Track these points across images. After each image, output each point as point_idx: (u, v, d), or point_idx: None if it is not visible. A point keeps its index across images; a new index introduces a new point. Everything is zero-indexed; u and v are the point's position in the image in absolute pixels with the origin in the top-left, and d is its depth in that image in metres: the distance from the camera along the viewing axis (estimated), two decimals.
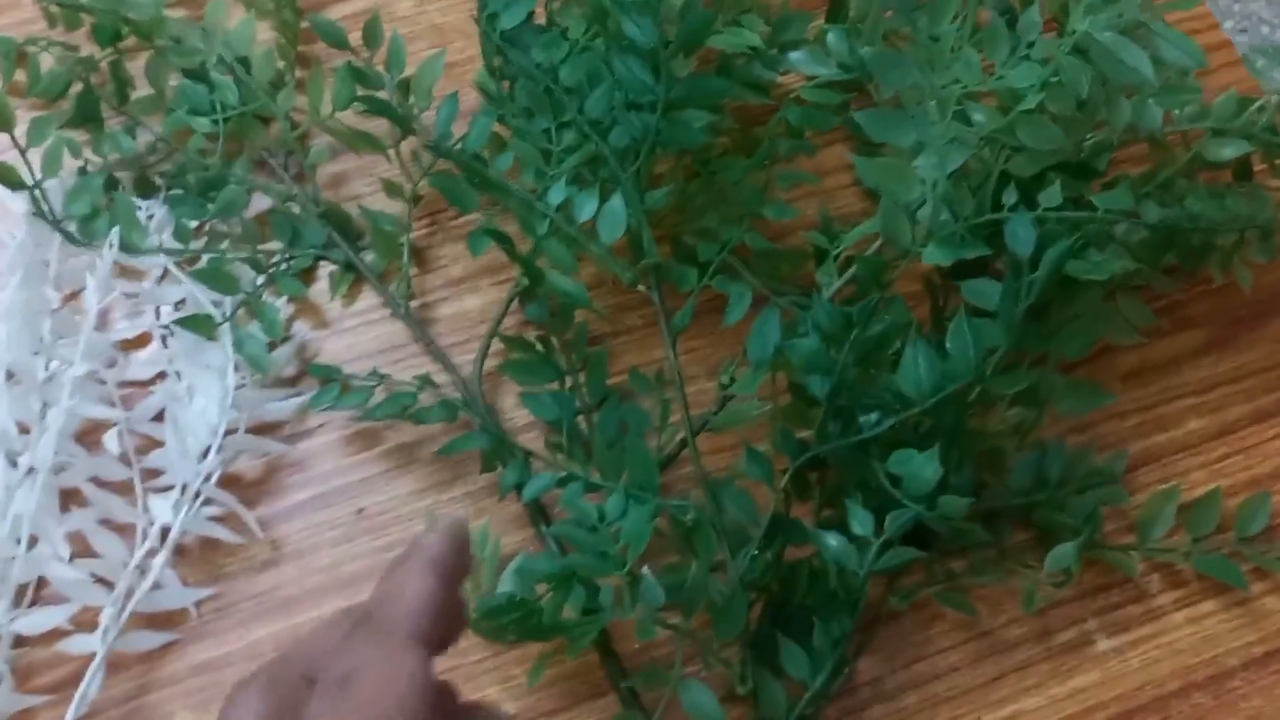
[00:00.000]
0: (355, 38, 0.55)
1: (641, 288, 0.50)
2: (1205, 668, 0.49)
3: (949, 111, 0.43)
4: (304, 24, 0.57)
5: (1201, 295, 0.55)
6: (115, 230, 0.50)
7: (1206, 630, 0.50)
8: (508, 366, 0.51)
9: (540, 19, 0.53)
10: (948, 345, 0.42)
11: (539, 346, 0.52)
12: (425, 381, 0.50)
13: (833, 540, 0.43)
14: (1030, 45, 0.45)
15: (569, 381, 0.51)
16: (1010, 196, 0.45)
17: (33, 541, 0.47)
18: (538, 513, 0.49)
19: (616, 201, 0.48)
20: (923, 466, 0.42)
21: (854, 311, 0.42)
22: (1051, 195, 0.45)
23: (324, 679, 0.34)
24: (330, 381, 0.51)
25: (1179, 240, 0.48)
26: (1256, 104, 0.48)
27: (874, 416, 0.43)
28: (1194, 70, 0.47)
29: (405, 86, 0.54)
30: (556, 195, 0.50)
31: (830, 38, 0.53)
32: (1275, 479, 0.52)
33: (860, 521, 0.43)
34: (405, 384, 0.50)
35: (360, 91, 0.53)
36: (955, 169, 0.44)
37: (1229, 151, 0.48)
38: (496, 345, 0.52)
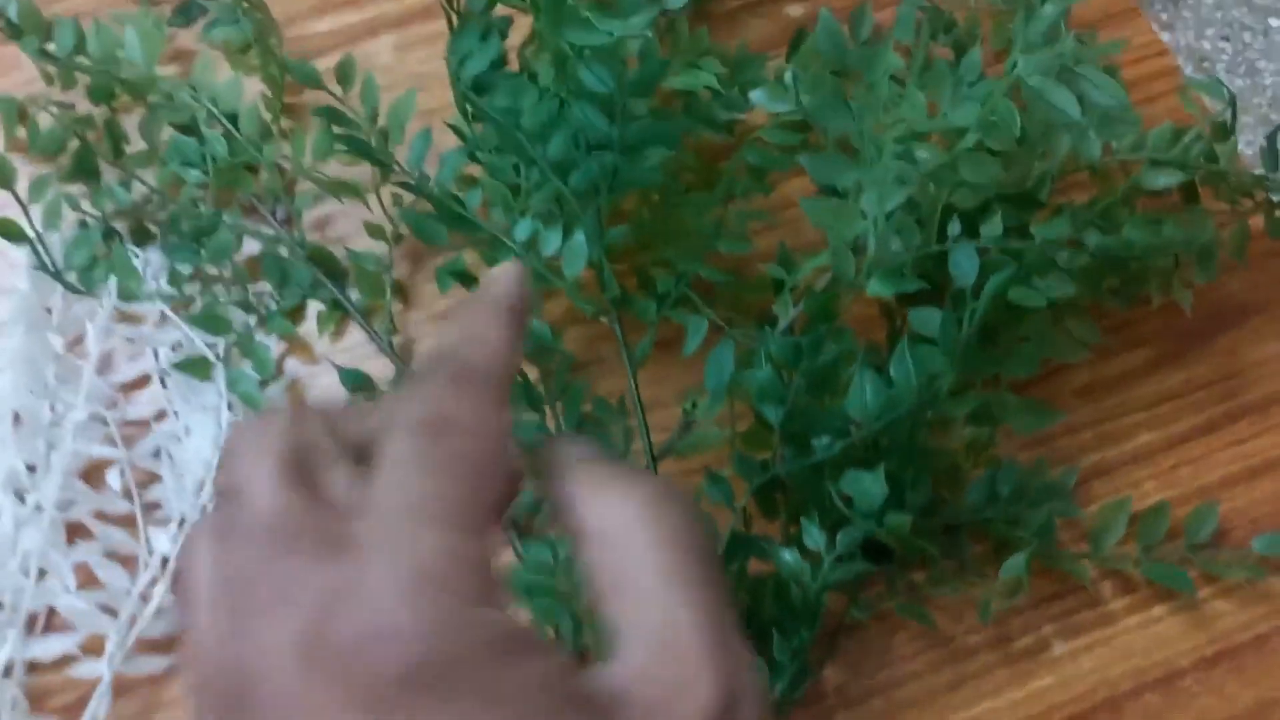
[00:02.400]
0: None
1: (604, 319, 0.53)
2: (1157, 669, 0.51)
3: (885, 152, 0.45)
4: (290, 78, 0.60)
5: (1150, 314, 0.57)
6: (113, 279, 0.53)
7: (1157, 633, 0.52)
8: None
9: (515, 65, 0.56)
10: (891, 372, 0.44)
11: (519, 378, 0.54)
12: None
13: (788, 556, 0.46)
14: (971, 85, 0.48)
15: (548, 411, 0.53)
16: (955, 228, 0.48)
17: (42, 574, 0.50)
18: (514, 532, 0.52)
19: (579, 237, 0.51)
20: (870, 485, 0.44)
21: (804, 343, 0.44)
22: (992, 226, 0.47)
23: (397, 423, 0.29)
24: (358, 389, 0.54)
25: (1118, 266, 0.50)
26: (1192, 133, 0.51)
27: (825, 440, 0.45)
28: (1128, 103, 0.49)
29: (378, 123, 0.56)
30: (523, 231, 0.52)
31: (787, 77, 0.55)
32: (1223, 488, 0.54)
33: (813, 537, 0.45)
34: None
35: (337, 130, 0.56)
36: (899, 204, 0.46)
37: (1164, 180, 0.50)
38: None
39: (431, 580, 0.26)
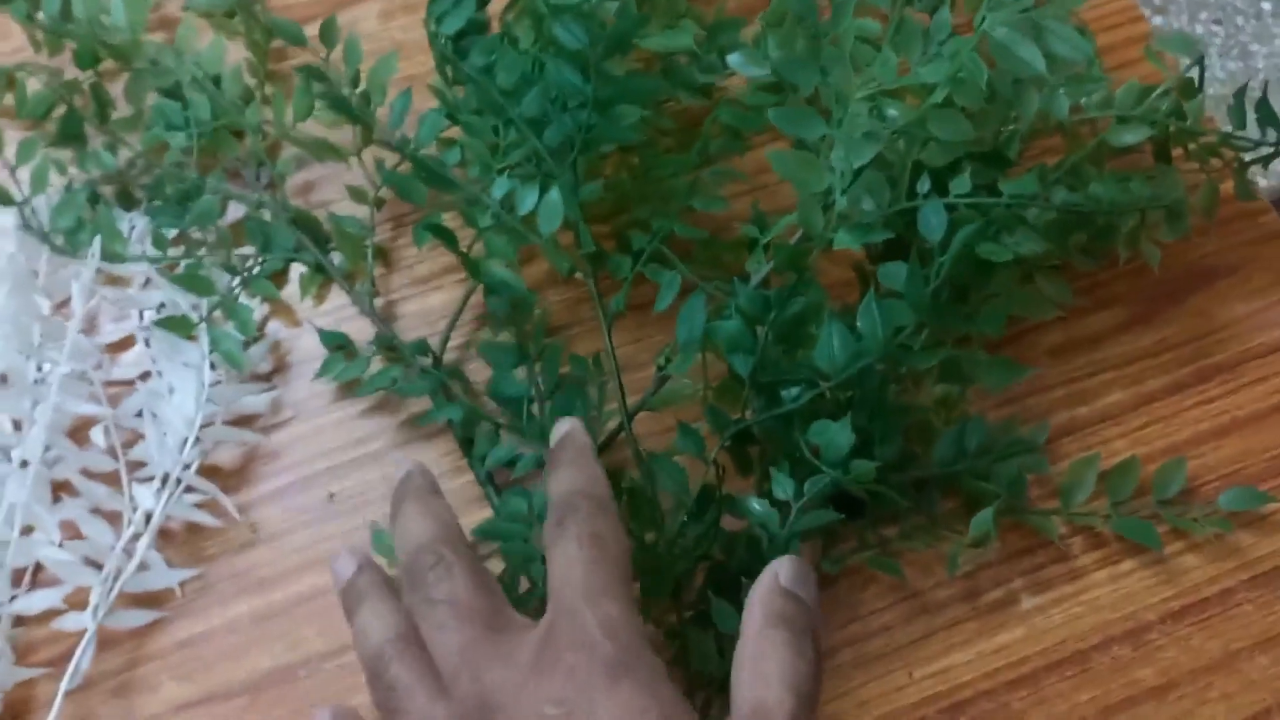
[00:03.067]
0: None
1: (580, 276, 0.53)
2: (1124, 622, 0.52)
3: (849, 109, 0.46)
4: (274, 41, 0.61)
5: (1122, 275, 0.57)
6: (98, 240, 0.54)
7: (1126, 588, 0.52)
8: (482, 347, 0.54)
9: (496, 29, 0.57)
10: (858, 324, 0.45)
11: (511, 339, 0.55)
12: (419, 349, 0.54)
13: (756, 505, 0.47)
14: (942, 44, 0.49)
15: (528, 370, 0.54)
16: (924, 185, 0.48)
17: (28, 530, 0.51)
18: (489, 485, 0.52)
19: (554, 195, 0.52)
20: (838, 435, 0.45)
21: (771, 295, 0.45)
22: (960, 183, 0.48)
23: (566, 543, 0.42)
24: (339, 349, 0.54)
25: (1086, 222, 0.51)
26: (1158, 90, 0.51)
27: (794, 391, 0.46)
28: (1088, 61, 0.50)
29: (360, 85, 0.57)
30: (500, 189, 0.53)
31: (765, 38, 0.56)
32: (1192, 445, 0.55)
33: (782, 486, 0.46)
34: (393, 353, 0.54)
35: (319, 89, 0.56)
36: (869, 160, 0.47)
37: (1130, 137, 0.51)
38: (455, 341, 0.56)
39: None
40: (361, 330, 0.56)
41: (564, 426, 0.47)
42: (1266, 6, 1.19)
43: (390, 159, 0.57)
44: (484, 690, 0.40)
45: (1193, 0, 1.24)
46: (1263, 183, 0.94)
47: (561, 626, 0.40)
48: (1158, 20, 0.97)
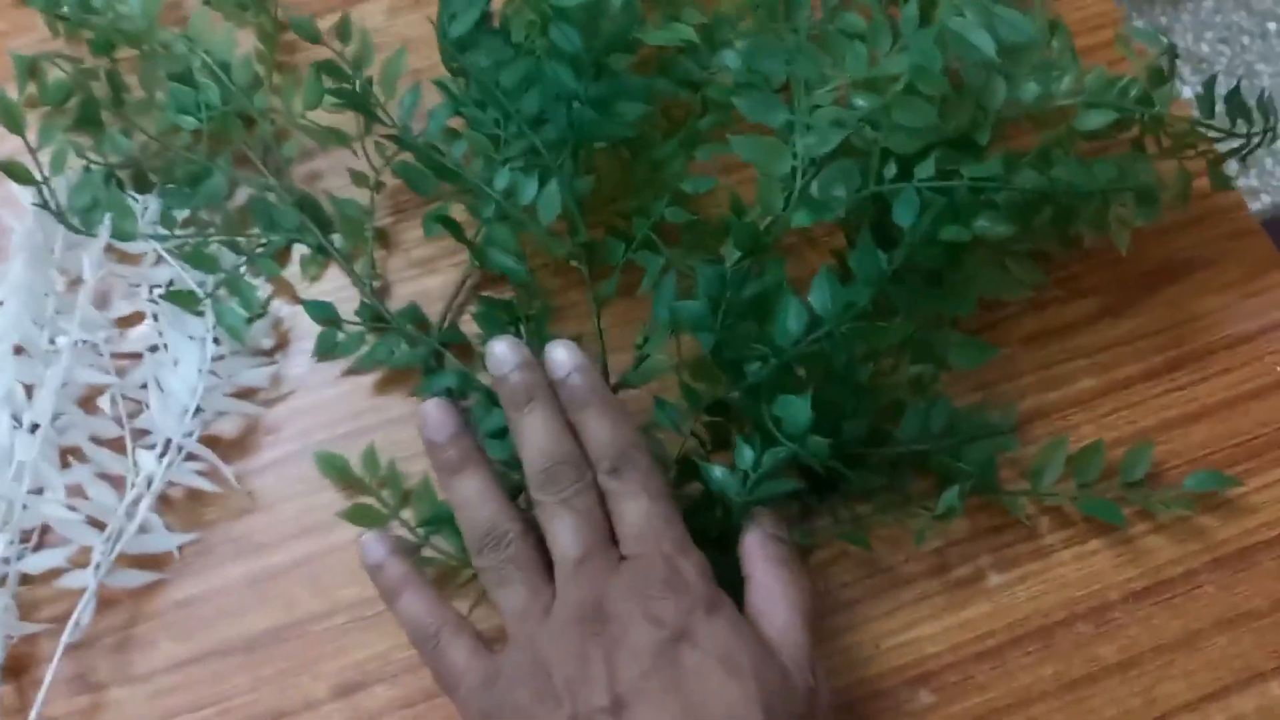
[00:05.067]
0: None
1: (575, 263, 0.56)
2: (1088, 600, 0.53)
3: (821, 96, 0.48)
4: (282, 35, 0.63)
5: (1099, 267, 0.59)
6: (109, 218, 0.56)
7: (1091, 567, 0.54)
8: (477, 316, 0.56)
9: (497, 23, 0.59)
10: (811, 300, 0.47)
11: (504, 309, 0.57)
12: (410, 316, 0.56)
13: (717, 472, 0.49)
14: (909, 37, 0.51)
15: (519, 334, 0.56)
16: (890, 171, 0.50)
17: (37, 491, 0.54)
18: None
19: (553, 187, 0.54)
20: (798, 410, 0.47)
21: (728, 274, 0.47)
22: (925, 168, 0.50)
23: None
24: (329, 322, 0.57)
25: (1048, 203, 0.52)
26: (1125, 79, 0.53)
27: (756, 366, 0.48)
28: (1063, 49, 0.52)
29: (370, 81, 0.60)
30: (502, 181, 0.55)
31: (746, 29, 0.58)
32: (1160, 431, 0.56)
33: (743, 457, 0.48)
34: (389, 327, 0.56)
35: (330, 84, 0.59)
36: (834, 147, 0.49)
37: (1097, 119, 0.52)
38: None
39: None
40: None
41: (567, 357, 0.49)
42: (1272, 27, 1.20)
43: (393, 146, 0.60)
44: (600, 596, 0.45)
45: (1199, 20, 1.25)
46: (1255, 206, 0.95)
47: (655, 570, 0.45)
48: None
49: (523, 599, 0.46)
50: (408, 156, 0.59)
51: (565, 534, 0.46)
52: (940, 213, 0.49)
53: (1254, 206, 0.99)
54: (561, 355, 0.48)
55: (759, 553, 0.48)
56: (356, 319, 0.57)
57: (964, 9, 0.47)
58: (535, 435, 0.48)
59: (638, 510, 0.46)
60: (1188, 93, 1.01)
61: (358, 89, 0.59)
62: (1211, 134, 0.55)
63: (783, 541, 0.49)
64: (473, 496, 0.49)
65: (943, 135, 0.51)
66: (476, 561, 0.48)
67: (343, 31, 0.61)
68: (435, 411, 0.50)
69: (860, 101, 0.50)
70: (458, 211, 0.58)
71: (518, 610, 0.46)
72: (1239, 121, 0.53)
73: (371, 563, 0.50)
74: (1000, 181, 0.50)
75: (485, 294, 0.58)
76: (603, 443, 0.47)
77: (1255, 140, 0.54)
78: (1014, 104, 0.53)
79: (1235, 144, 0.55)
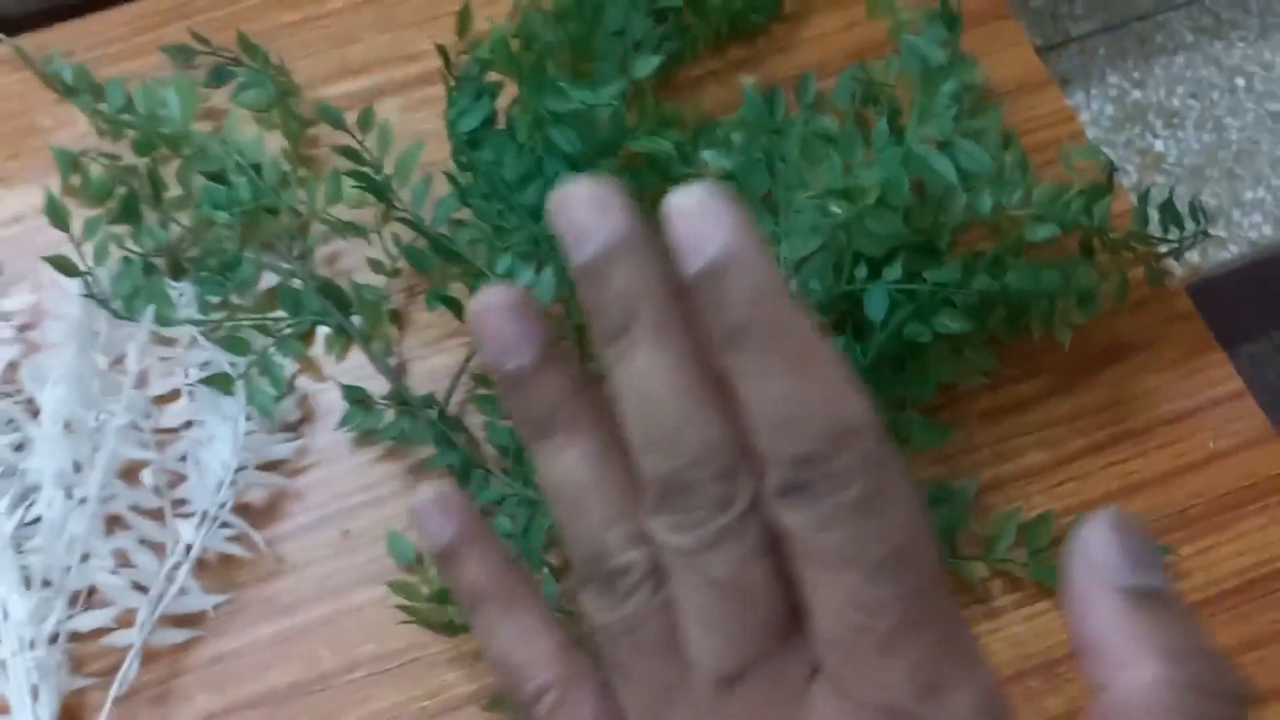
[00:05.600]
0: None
1: (569, 341, 0.62)
2: (1038, 657, 0.59)
3: (801, 206, 0.54)
4: (308, 132, 0.69)
5: (1048, 349, 0.64)
6: (152, 307, 0.62)
7: (1040, 626, 0.59)
8: (476, 401, 0.62)
9: (503, 122, 0.65)
10: None
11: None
12: (425, 402, 0.62)
13: None
14: (881, 150, 0.57)
15: None
16: (861, 272, 0.56)
17: (84, 558, 0.59)
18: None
19: (548, 273, 0.60)
20: None
21: None
22: (892, 270, 0.56)
23: None
24: (359, 402, 0.62)
25: (1002, 304, 0.59)
26: (1070, 193, 0.59)
27: None
28: (1016, 166, 0.58)
29: (387, 169, 0.65)
30: (503, 266, 0.61)
31: (733, 138, 0.64)
32: (1103, 501, 0.62)
33: None
34: (405, 406, 0.62)
35: (350, 169, 0.64)
36: (815, 250, 0.55)
37: (1044, 233, 0.58)
38: (457, 396, 0.63)
39: None
40: (378, 385, 0.64)
41: (712, 225, 0.25)
42: (1240, 83, 1.26)
43: (405, 235, 0.65)
44: None
45: (1170, 75, 1.31)
46: (1223, 256, 1.01)
47: None
48: (1137, 94, 1.04)
49: (644, 701, 0.28)
50: (418, 241, 0.65)
51: (700, 623, 0.26)
52: (909, 313, 0.55)
53: (1221, 257, 1.05)
54: (697, 220, 0.25)
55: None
56: (385, 401, 0.62)
57: (925, 135, 0.53)
58: (644, 404, 0.26)
59: (857, 579, 0.25)
60: (1159, 146, 1.07)
61: (376, 176, 0.65)
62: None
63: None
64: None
65: (907, 241, 0.57)
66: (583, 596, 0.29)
67: (364, 120, 0.67)
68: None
69: (835, 208, 0.56)
70: (459, 291, 0.64)
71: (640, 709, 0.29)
72: (1171, 229, 0.60)
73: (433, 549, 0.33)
74: (958, 284, 0.56)
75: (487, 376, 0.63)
76: (786, 419, 0.25)
77: (1189, 242, 0.61)
78: (971, 211, 0.59)
79: (1170, 247, 0.61)
